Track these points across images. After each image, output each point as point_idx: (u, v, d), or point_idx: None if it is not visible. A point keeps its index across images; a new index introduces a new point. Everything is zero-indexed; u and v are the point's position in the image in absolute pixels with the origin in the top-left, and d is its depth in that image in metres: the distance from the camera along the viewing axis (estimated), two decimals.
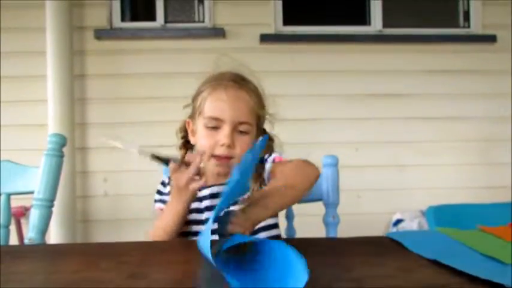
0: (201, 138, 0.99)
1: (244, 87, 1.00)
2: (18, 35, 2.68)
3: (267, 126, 1.09)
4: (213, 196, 1.00)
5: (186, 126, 1.07)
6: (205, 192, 1.00)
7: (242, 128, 0.98)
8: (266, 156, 1.05)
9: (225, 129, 0.95)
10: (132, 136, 2.68)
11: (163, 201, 1.05)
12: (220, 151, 0.96)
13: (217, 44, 2.75)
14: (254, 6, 2.79)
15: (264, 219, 0.76)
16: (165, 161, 0.87)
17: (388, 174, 2.78)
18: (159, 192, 1.08)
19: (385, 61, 2.82)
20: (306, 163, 0.93)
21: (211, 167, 0.98)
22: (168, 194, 1.05)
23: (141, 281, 0.51)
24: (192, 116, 1.04)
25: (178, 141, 1.08)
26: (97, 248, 0.76)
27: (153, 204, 1.09)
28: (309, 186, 0.88)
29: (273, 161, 1.01)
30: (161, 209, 1.04)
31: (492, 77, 2.81)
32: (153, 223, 0.98)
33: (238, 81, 1.00)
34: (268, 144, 1.08)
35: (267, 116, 1.06)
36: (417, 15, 3.02)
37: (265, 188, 0.89)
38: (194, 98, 1.04)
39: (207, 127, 0.97)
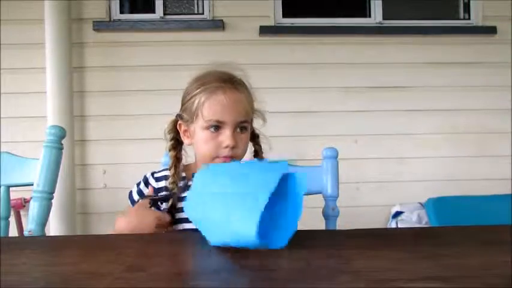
0: (203, 142, 0.98)
1: (239, 86, 0.99)
2: (17, 27, 2.67)
3: (257, 121, 1.09)
4: None
5: (178, 127, 1.05)
6: None
7: (241, 126, 0.99)
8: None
9: (227, 131, 0.96)
10: (130, 128, 2.68)
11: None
12: (224, 153, 0.96)
13: (216, 36, 2.74)
14: None
15: None
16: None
17: (388, 167, 2.78)
18: (140, 193, 1.07)
19: (385, 53, 2.81)
20: None
21: None
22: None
23: (140, 273, 0.51)
24: (185, 119, 1.01)
25: (168, 143, 1.05)
26: (96, 240, 0.76)
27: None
28: None
29: None
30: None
31: (492, 69, 2.80)
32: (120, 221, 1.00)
33: (232, 81, 0.99)
34: (255, 142, 1.09)
35: (257, 110, 1.06)
36: (417, 7, 3.01)
37: None
38: (187, 101, 1.00)
39: (208, 130, 0.97)
